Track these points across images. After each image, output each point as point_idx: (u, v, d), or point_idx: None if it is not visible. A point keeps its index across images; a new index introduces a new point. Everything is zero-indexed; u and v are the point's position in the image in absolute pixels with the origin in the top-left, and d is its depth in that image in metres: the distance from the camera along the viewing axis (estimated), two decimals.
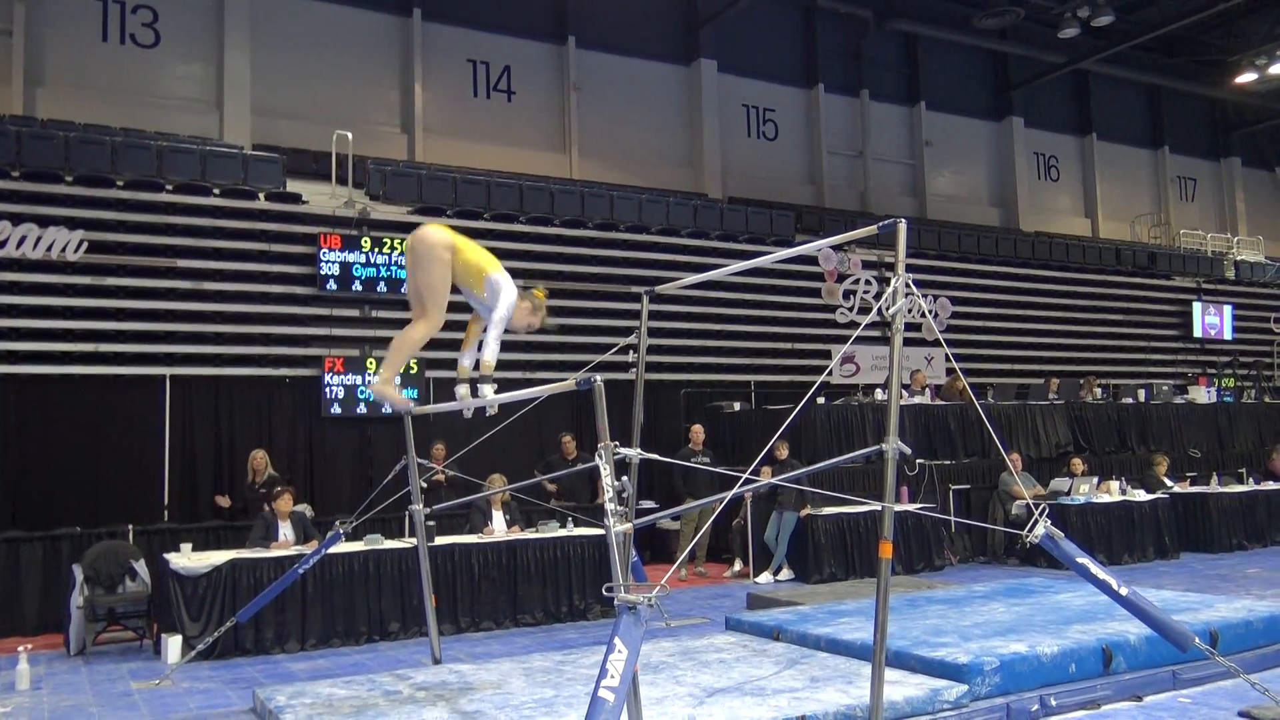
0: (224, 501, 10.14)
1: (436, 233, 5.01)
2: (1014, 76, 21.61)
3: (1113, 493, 11.84)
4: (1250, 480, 13.56)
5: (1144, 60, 22.03)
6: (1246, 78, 21.01)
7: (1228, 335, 19.48)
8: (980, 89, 21.66)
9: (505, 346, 12.49)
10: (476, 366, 5.04)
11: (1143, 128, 24.14)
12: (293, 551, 7.98)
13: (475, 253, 5.06)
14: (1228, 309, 19.58)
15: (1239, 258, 21.88)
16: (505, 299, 4.96)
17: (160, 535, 8.97)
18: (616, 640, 3.71)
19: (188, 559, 7.72)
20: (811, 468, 4.92)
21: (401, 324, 12.07)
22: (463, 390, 5.15)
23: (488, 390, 4.94)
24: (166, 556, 7.78)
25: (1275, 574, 10.31)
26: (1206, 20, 19.89)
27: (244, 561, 7.71)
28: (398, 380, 4.96)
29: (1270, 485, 13.32)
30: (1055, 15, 18.46)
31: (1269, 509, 12.83)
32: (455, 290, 5.10)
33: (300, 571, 6.91)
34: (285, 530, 8.43)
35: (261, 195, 11.57)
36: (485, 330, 5.01)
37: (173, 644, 7.30)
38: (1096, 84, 22.78)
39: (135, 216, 10.72)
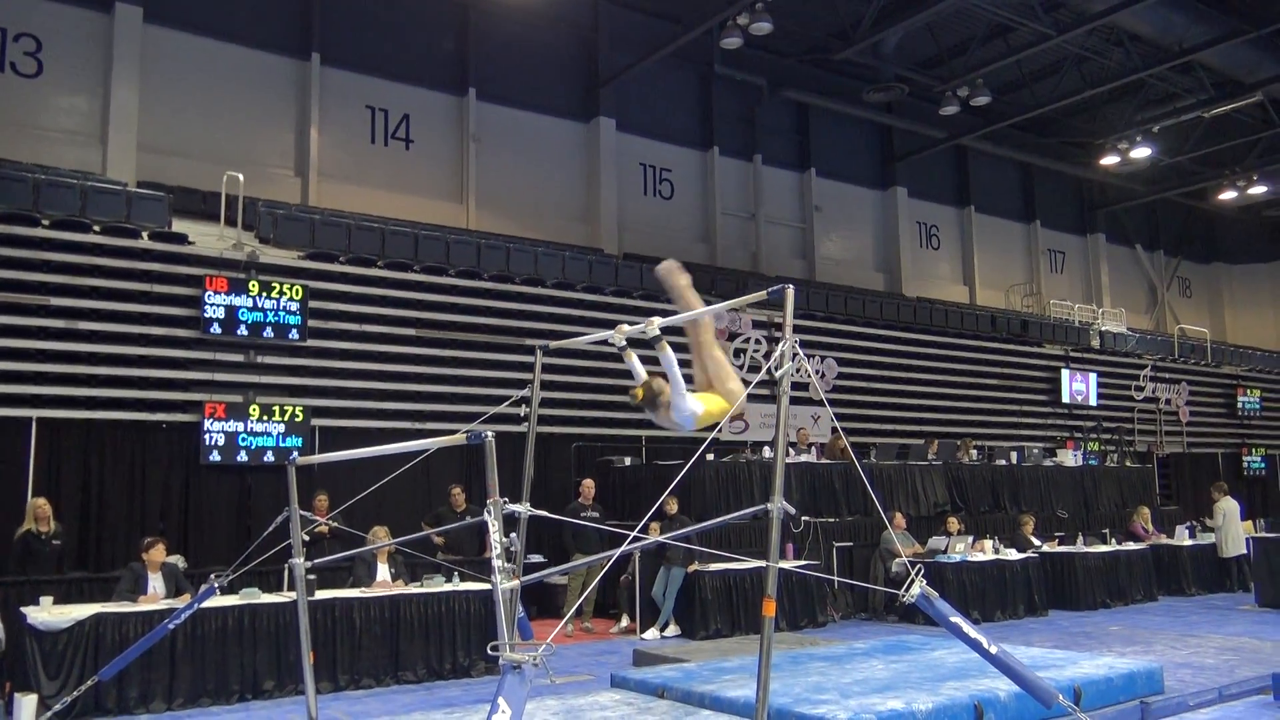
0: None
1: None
2: (898, 149, 22.60)
3: (987, 551, 12.27)
4: (1113, 541, 14.23)
5: (1018, 139, 23.34)
6: (1110, 160, 22.41)
7: (1093, 401, 20.52)
8: (867, 159, 22.58)
9: (398, 396, 12.36)
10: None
11: (1016, 202, 25.49)
12: (163, 605, 7.64)
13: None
14: (1093, 376, 20.65)
15: (1103, 328, 23.17)
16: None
17: (18, 587, 8.42)
18: (500, 700, 3.68)
19: (47, 613, 7.31)
20: (699, 526, 5.00)
21: (288, 370, 11.86)
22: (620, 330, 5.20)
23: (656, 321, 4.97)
24: (24, 610, 7.35)
25: (1135, 631, 10.81)
26: (1074, 105, 21.25)
27: (109, 616, 7.35)
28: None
29: (1131, 546, 14.00)
30: (937, 93, 19.45)
31: (1130, 568, 13.47)
32: None
33: (170, 627, 6.60)
34: (155, 583, 8.08)
35: (145, 234, 11.22)
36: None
37: (26, 704, 6.87)
38: (974, 159, 24.00)
39: (7, 251, 10.24)
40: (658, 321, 5.05)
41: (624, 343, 5.15)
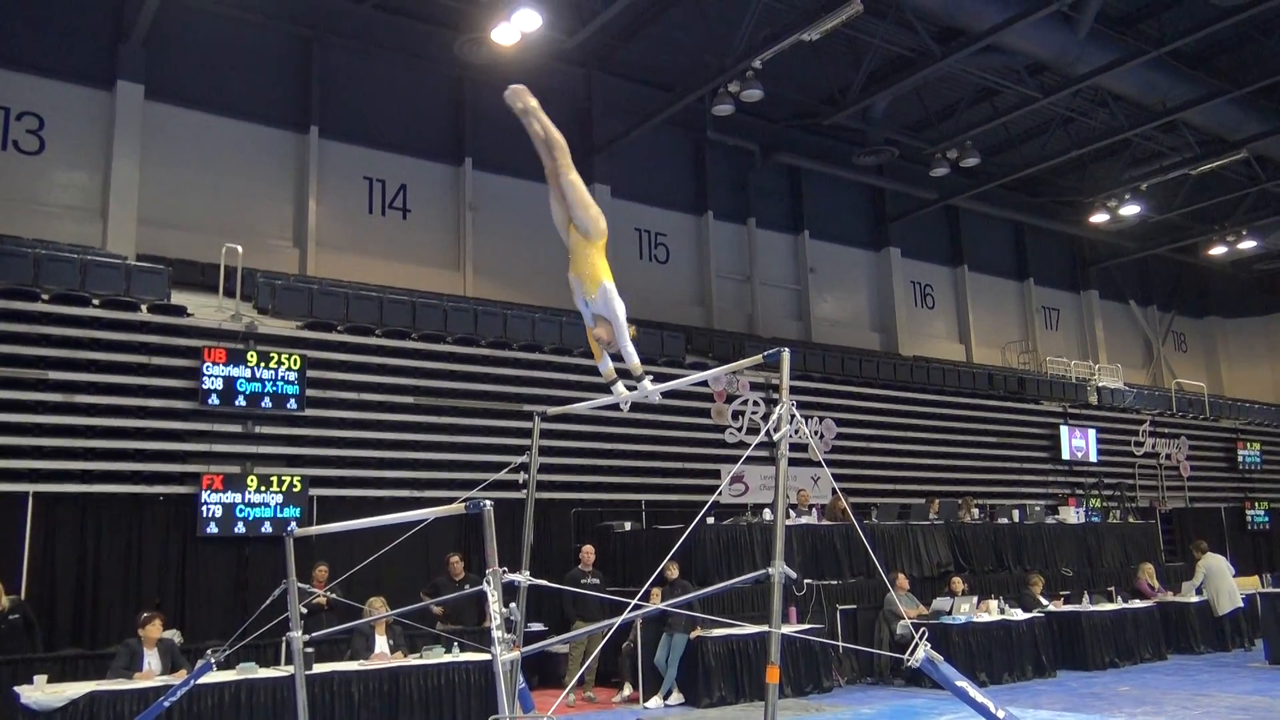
0: None
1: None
2: (891, 210, 22.87)
3: (992, 612, 12.13)
4: (1119, 599, 14.08)
5: (1009, 199, 23.63)
6: (1100, 217, 22.66)
7: (1093, 458, 20.46)
8: (860, 220, 22.83)
9: (396, 464, 12.33)
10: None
11: (1009, 260, 25.71)
12: (158, 682, 7.54)
13: (604, 262, 5.40)
14: (1092, 433, 20.62)
15: (1100, 384, 23.21)
16: (619, 308, 5.25)
17: (11, 665, 8.31)
18: None
19: (41, 691, 7.21)
20: (701, 592, 4.97)
21: (286, 440, 11.87)
22: (618, 388, 5.48)
23: (647, 383, 5.30)
24: (17, 689, 7.25)
25: (1145, 691, 10.65)
26: (1063, 164, 21.56)
27: (104, 694, 7.24)
28: None
29: (1138, 604, 13.85)
30: (927, 155, 19.74)
31: (1137, 627, 13.31)
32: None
33: (166, 705, 6.53)
34: (151, 659, 7.97)
35: (144, 307, 11.28)
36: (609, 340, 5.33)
37: None
38: (966, 219, 24.26)
39: (6, 326, 10.29)
40: (652, 386, 5.23)
41: (624, 394, 5.36)
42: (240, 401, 11.24)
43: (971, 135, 19.10)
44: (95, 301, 11.02)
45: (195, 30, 14.81)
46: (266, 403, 11.42)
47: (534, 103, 5.26)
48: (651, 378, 5.44)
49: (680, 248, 19.74)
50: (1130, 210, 22.11)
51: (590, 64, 18.36)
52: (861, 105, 18.05)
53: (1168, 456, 22.09)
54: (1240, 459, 23.53)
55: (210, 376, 11.09)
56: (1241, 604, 14.15)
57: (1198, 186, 22.81)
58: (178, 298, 11.92)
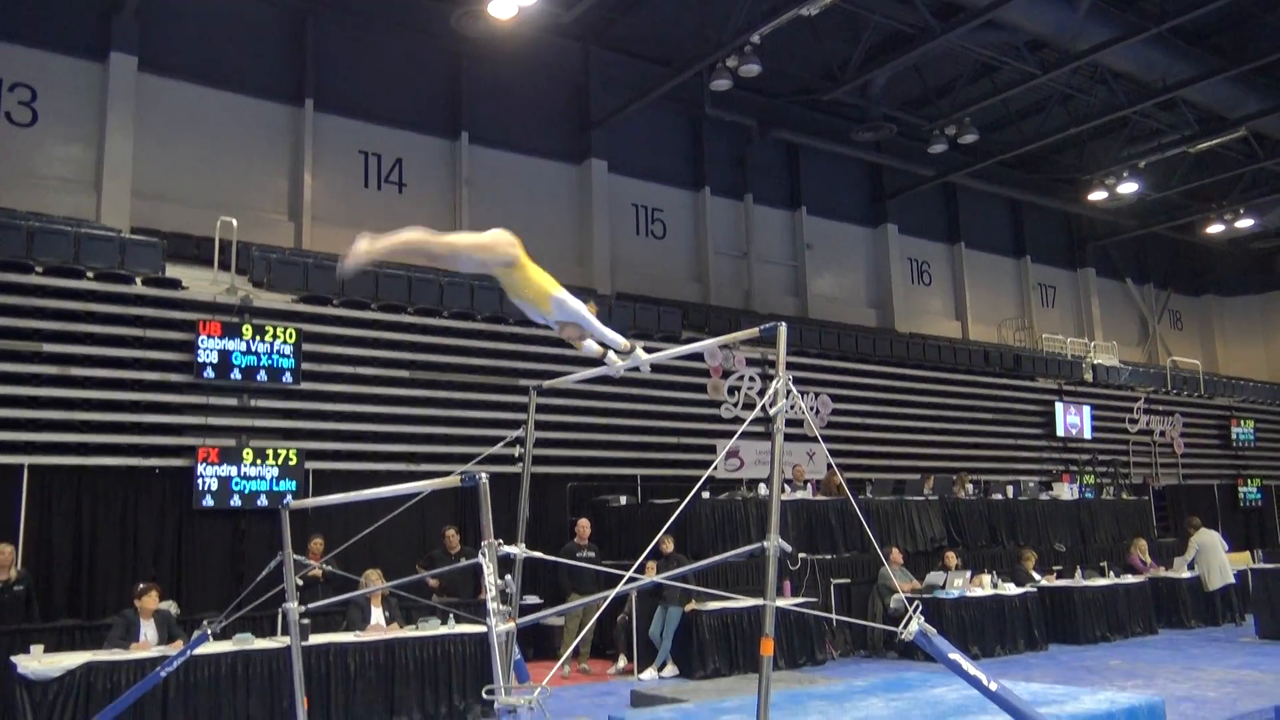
0: None
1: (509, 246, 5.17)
2: (888, 186, 22.79)
3: (985, 586, 12.22)
4: (1111, 574, 14.18)
5: (1006, 176, 23.54)
6: (1098, 195, 22.58)
7: (1087, 434, 20.51)
8: (857, 196, 22.75)
9: (392, 438, 12.35)
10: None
11: (1006, 238, 25.65)
12: (155, 653, 7.57)
13: (540, 275, 5.23)
14: (1087, 409, 20.67)
15: (1096, 361, 23.24)
16: (578, 308, 5.15)
17: (8, 636, 8.35)
18: None
19: (38, 661, 7.24)
20: (695, 565, 5.00)
21: (282, 413, 11.85)
22: (611, 357, 5.43)
23: (640, 352, 5.27)
24: (14, 659, 7.28)
25: (1136, 665, 10.74)
26: (1061, 142, 21.46)
27: (101, 664, 7.27)
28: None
29: (1130, 579, 13.95)
30: (925, 131, 19.64)
31: (1129, 601, 13.41)
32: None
33: (163, 674, 6.55)
34: (148, 630, 8.01)
35: (139, 280, 11.25)
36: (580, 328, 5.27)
37: None
38: (964, 196, 24.18)
39: (0, 299, 10.26)
40: (642, 353, 5.21)
41: (617, 363, 5.32)
42: (235, 375, 11.24)
43: (970, 112, 19.00)
44: (89, 274, 10.97)
45: (189, 1, 14.67)
46: (262, 376, 11.41)
47: (363, 246, 4.86)
48: (642, 345, 5.42)
49: (677, 223, 19.68)
50: (1128, 188, 22.03)
51: (587, 38, 18.23)
52: (860, 81, 17.94)
53: (1162, 433, 22.17)
54: (1234, 436, 23.62)
55: (205, 350, 11.08)
56: (1233, 579, 14.26)
57: (1196, 164, 22.74)
58: (172, 271, 11.88)
